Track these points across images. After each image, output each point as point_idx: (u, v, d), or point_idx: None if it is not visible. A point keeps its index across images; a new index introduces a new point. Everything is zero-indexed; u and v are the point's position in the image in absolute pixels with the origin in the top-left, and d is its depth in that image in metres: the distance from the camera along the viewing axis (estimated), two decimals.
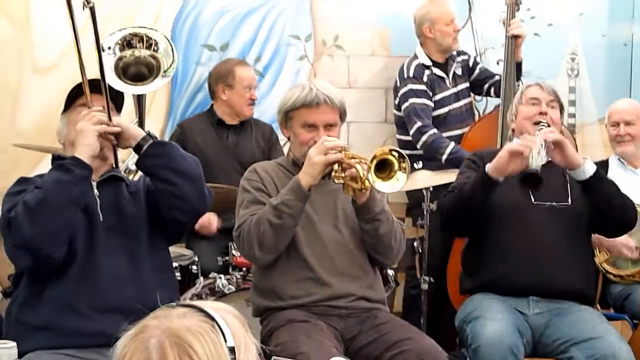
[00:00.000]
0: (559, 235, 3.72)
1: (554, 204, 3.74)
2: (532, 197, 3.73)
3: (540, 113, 3.82)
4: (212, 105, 5.16)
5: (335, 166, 3.26)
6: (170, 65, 3.67)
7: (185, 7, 5.39)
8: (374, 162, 3.13)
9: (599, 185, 3.67)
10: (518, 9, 5.31)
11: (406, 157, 3.21)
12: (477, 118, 5.59)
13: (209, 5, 5.43)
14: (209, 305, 1.56)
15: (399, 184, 3.19)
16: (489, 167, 3.61)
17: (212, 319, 1.50)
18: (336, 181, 3.28)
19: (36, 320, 2.99)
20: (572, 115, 5.79)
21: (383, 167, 3.18)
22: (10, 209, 2.94)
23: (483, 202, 3.67)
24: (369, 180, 3.14)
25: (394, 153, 3.18)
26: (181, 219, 3.14)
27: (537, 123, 3.78)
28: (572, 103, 5.81)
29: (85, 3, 2.92)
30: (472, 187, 3.66)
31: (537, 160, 3.45)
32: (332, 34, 5.65)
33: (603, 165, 4.66)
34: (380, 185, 3.18)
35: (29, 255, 2.96)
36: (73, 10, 2.91)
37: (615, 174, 4.66)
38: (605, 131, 4.96)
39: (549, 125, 3.75)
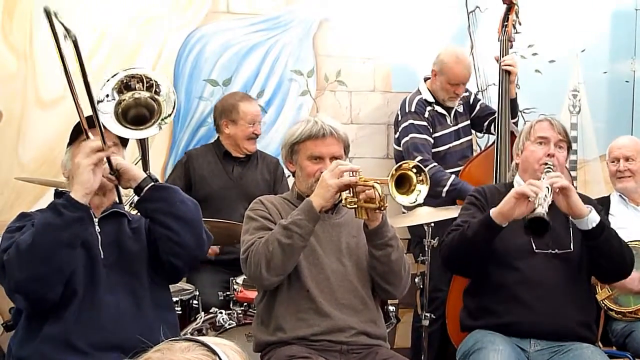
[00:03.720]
0: (561, 281, 3.69)
1: (556, 250, 3.71)
2: (533, 245, 3.70)
3: (548, 155, 3.80)
4: (218, 137, 5.17)
5: (345, 193, 3.27)
6: (170, 114, 3.64)
7: (188, 41, 5.42)
8: (394, 178, 3.14)
9: (601, 238, 3.63)
10: (511, 46, 5.32)
11: (424, 168, 3.22)
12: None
13: (212, 40, 5.46)
14: (211, 340, 1.56)
15: (422, 194, 3.21)
16: (493, 212, 3.58)
17: (214, 352, 1.51)
18: (349, 206, 3.29)
19: (36, 357, 2.97)
20: (574, 152, 5.80)
21: (402, 183, 3.20)
22: (6, 248, 2.93)
23: (486, 246, 3.64)
24: (390, 192, 3.14)
25: (413, 169, 3.20)
26: (177, 264, 3.12)
27: (544, 164, 3.77)
28: (574, 139, 5.82)
29: (66, 35, 2.86)
30: (476, 230, 3.63)
31: (544, 205, 3.41)
32: (334, 69, 5.68)
33: (604, 202, 4.66)
34: (403, 199, 3.19)
35: (22, 298, 2.97)
36: (63, 51, 2.89)
37: (617, 210, 4.67)
38: (607, 167, 4.96)
39: (554, 166, 3.74)
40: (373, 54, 5.74)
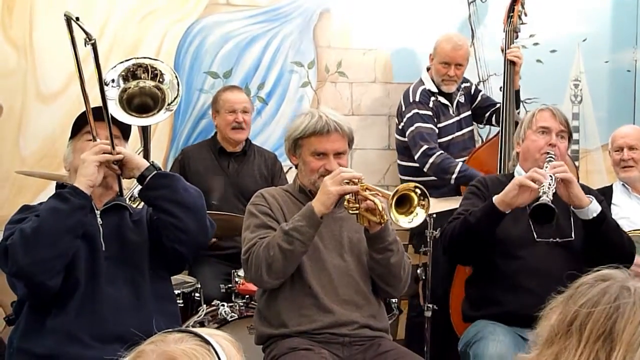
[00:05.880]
0: (563, 269, 3.66)
1: (557, 239, 3.70)
2: (534, 233, 3.68)
3: (550, 144, 3.80)
4: (215, 133, 5.18)
5: (348, 196, 3.25)
6: (175, 99, 3.64)
7: (188, 34, 5.41)
8: (395, 197, 3.09)
9: (601, 228, 3.63)
10: (517, 37, 5.31)
11: (428, 195, 3.16)
12: (477, 145, 5.58)
13: (212, 32, 5.45)
14: (204, 331, 1.58)
15: (418, 219, 3.15)
16: (496, 199, 3.57)
17: (208, 342, 1.52)
18: (350, 212, 3.27)
19: (38, 349, 2.98)
20: (576, 142, 5.80)
21: (402, 202, 3.15)
22: (8, 237, 2.95)
23: (489, 234, 3.64)
24: (389, 216, 3.11)
25: (417, 190, 3.15)
26: (182, 251, 3.14)
27: (545, 153, 3.76)
28: (576, 129, 5.82)
29: (87, 40, 2.92)
30: (479, 218, 3.62)
31: (549, 194, 3.41)
32: (335, 60, 5.67)
33: (607, 191, 4.64)
34: (402, 219, 3.13)
35: (23, 285, 2.97)
36: (76, 43, 2.92)
37: (620, 200, 4.65)
38: (609, 157, 4.94)
39: (556, 155, 3.74)
40: (374, 44, 5.73)
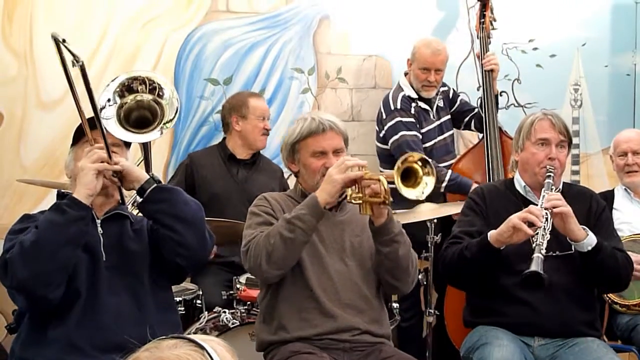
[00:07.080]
0: (563, 282, 3.66)
1: (557, 252, 3.68)
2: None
3: (549, 158, 3.76)
4: (224, 139, 5.17)
5: (350, 189, 3.25)
6: (172, 119, 3.61)
7: (188, 41, 5.42)
8: (400, 171, 3.11)
9: (597, 259, 3.60)
10: (490, 42, 5.31)
11: (429, 160, 3.18)
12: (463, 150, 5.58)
13: (212, 39, 5.47)
14: (198, 337, 1.60)
15: (428, 188, 3.16)
16: (491, 238, 3.55)
17: (202, 348, 1.53)
18: (354, 202, 3.26)
19: (40, 359, 2.98)
20: (576, 146, 5.80)
21: (407, 177, 3.16)
22: (9, 249, 2.94)
23: (486, 267, 3.63)
24: (400, 191, 3.11)
25: (419, 161, 3.16)
26: (181, 264, 3.13)
27: (544, 167, 3.74)
28: (576, 134, 5.83)
29: (75, 62, 2.91)
30: (475, 253, 3.61)
31: (542, 245, 3.38)
32: (335, 66, 5.69)
33: (608, 196, 4.63)
34: (410, 192, 3.15)
35: (23, 297, 2.97)
36: (66, 63, 2.92)
37: (621, 204, 4.64)
38: (610, 161, 4.93)
39: (556, 169, 3.72)
40: (374, 50, 5.74)
